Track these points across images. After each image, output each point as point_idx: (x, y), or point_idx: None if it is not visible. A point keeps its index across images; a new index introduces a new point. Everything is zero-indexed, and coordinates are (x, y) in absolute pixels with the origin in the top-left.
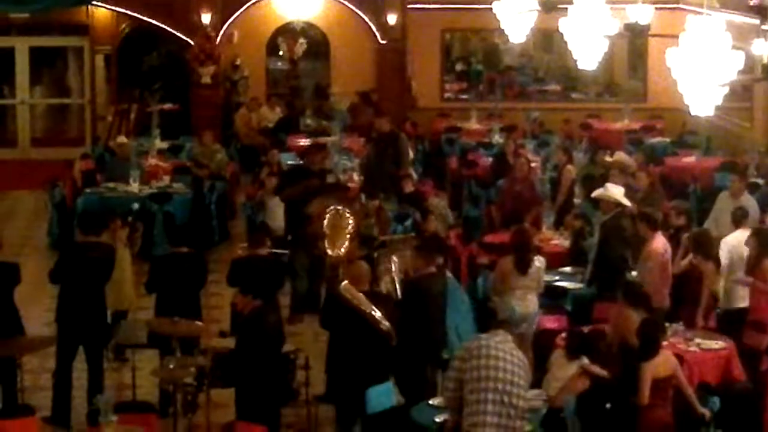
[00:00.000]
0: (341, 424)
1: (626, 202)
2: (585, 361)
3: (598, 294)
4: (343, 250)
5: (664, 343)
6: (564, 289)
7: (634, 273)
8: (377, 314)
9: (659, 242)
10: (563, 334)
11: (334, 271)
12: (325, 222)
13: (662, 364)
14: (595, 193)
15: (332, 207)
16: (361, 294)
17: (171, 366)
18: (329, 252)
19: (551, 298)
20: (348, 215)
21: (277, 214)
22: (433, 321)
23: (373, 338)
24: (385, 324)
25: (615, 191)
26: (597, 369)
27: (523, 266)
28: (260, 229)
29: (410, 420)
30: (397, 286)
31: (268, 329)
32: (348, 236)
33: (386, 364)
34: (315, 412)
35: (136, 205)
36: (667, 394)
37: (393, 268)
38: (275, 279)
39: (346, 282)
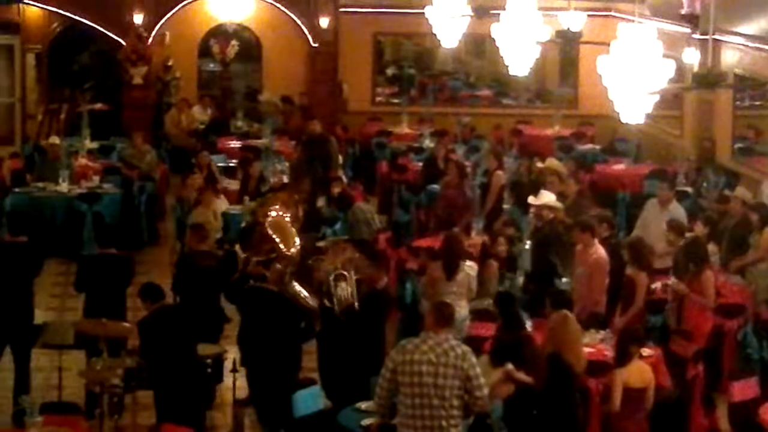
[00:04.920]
0: (266, 428)
1: (559, 206)
2: (510, 367)
3: (531, 299)
4: (297, 246)
5: (591, 349)
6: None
7: (564, 280)
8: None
9: (602, 249)
10: (490, 341)
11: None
12: (270, 231)
13: (636, 374)
14: (534, 200)
15: (268, 215)
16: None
17: (98, 367)
18: (286, 253)
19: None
20: (281, 212)
21: None
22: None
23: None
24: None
25: (550, 197)
26: (521, 375)
27: (450, 272)
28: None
29: (336, 424)
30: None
31: (169, 331)
32: (294, 229)
33: (291, 366)
34: (241, 415)
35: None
36: (639, 406)
37: (350, 277)
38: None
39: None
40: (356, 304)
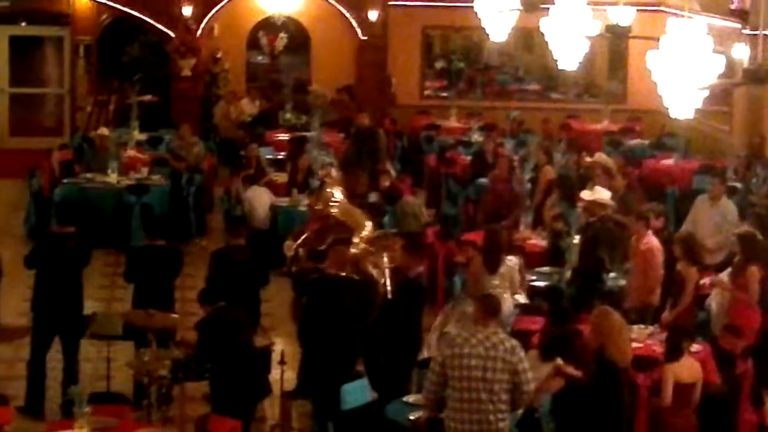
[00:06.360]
0: (316, 420)
1: (612, 204)
2: (559, 361)
3: (578, 295)
4: (370, 228)
5: (638, 344)
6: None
7: (612, 274)
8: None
9: (656, 240)
10: (538, 335)
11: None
12: (338, 213)
13: (687, 369)
14: (587, 195)
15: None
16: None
17: (146, 358)
18: (355, 240)
19: (530, 298)
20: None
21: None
22: (420, 320)
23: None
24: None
25: (603, 194)
26: (571, 370)
27: (492, 266)
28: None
29: (384, 417)
30: (388, 282)
31: (228, 331)
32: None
33: (354, 355)
34: (289, 407)
35: None
36: (689, 400)
37: (384, 264)
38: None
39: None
40: (389, 293)
